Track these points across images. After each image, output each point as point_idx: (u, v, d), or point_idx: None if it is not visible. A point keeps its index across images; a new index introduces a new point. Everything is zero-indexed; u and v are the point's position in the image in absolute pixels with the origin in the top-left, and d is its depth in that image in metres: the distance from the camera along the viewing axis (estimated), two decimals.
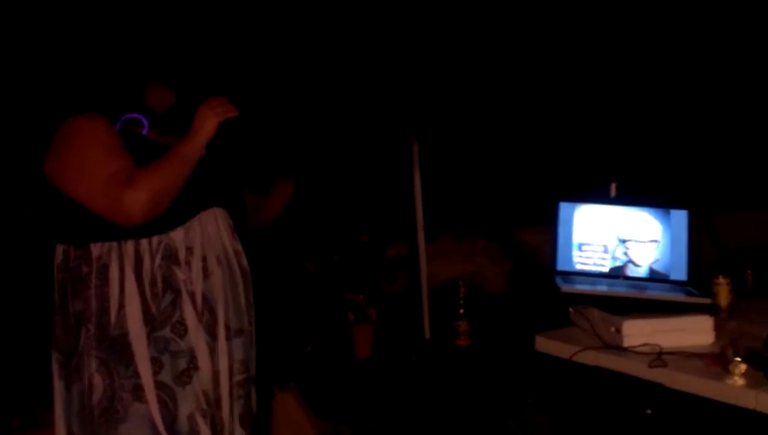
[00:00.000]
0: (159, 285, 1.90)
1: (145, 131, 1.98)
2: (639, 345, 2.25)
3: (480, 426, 2.75)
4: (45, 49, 2.70)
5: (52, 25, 2.70)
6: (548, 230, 2.67)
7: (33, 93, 2.68)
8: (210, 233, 1.98)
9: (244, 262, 2.07)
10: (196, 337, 1.92)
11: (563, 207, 2.62)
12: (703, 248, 2.67)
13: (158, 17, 2.19)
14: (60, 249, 1.97)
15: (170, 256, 1.91)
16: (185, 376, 1.91)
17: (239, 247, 2.06)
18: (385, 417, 2.76)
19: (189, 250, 1.93)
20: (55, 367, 1.97)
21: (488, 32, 3.44)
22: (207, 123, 1.92)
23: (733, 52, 3.66)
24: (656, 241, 2.58)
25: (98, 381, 1.88)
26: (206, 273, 1.95)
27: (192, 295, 1.92)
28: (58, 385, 1.97)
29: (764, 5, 3.50)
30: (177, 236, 1.92)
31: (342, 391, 2.80)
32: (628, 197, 2.65)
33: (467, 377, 2.77)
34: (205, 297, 1.94)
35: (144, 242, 1.89)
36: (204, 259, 1.95)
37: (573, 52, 3.55)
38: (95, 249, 1.90)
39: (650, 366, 2.17)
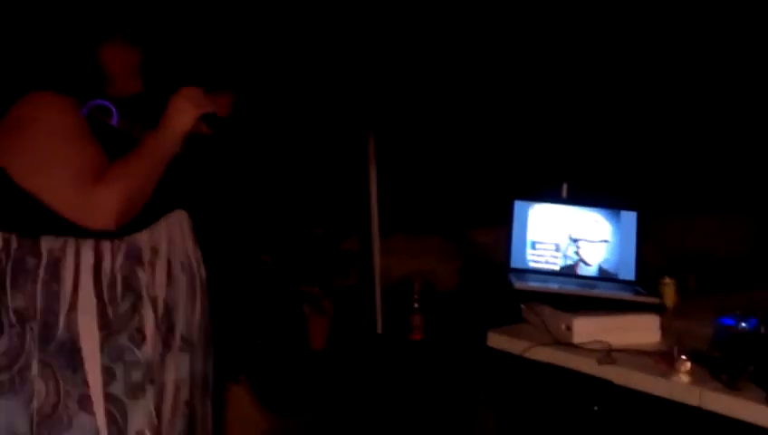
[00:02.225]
0: (119, 286, 1.70)
1: (114, 121, 1.73)
2: (589, 342, 2.29)
3: (431, 420, 2.77)
4: None
5: None
6: (500, 229, 2.70)
7: None
8: (175, 237, 1.81)
9: (204, 273, 1.90)
10: (154, 348, 1.74)
11: (518, 205, 2.65)
12: (649, 250, 2.72)
13: None
14: None
15: (133, 256, 1.73)
16: (139, 389, 1.73)
17: (200, 256, 1.89)
18: (337, 411, 2.76)
19: (154, 251, 1.76)
20: None
21: (444, 29, 3.45)
22: (184, 116, 1.72)
23: (689, 56, 3.74)
24: (606, 241, 2.63)
25: (40, 386, 1.67)
26: (170, 278, 1.78)
27: (154, 301, 1.75)
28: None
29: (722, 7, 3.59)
30: (143, 235, 1.74)
31: (294, 384, 2.78)
32: (581, 197, 2.69)
33: (420, 371, 2.79)
34: (166, 305, 1.77)
35: (105, 240, 1.69)
36: (169, 263, 1.78)
37: (527, 53, 3.59)
38: (46, 243, 1.69)
39: (599, 363, 2.21)
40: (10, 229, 1.70)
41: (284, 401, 2.75)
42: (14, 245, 1.69)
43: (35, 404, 1.68)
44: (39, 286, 1.68)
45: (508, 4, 3.48)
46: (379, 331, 3.03)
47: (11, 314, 1.69)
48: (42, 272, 1.68)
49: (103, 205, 1.61)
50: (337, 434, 2.83)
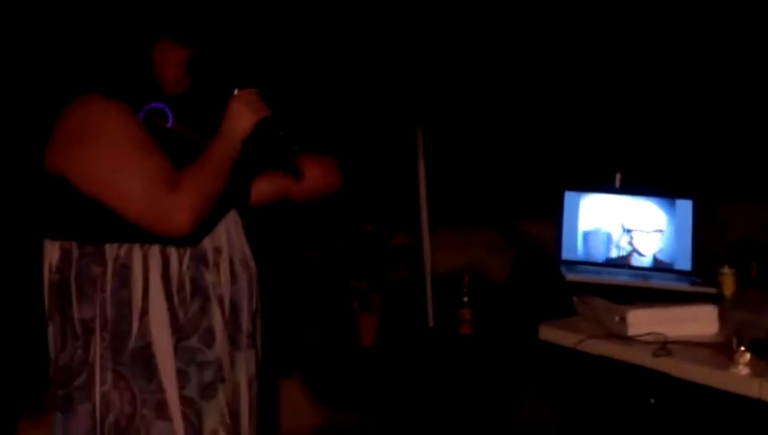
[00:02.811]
0: (187, 289, 1.68)
1: (170, 124, 1.71)
2: (644, 335, 2.23)
3: (483, 415, 2.75)
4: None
5: None
6: (550, 221, 2.66)
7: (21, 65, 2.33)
8: (233, 236, 1.80)
9: (255, 269, 1.88)
10: (223, 346, 1.73)
11: (568, 196, 2.61)
12: (707, 239, 2.65)
13: None
14: (56, 246, 1.69)
15: (199, 257, 1.70)
16: (211, 389, 1.72)
17: (251, 253, 1.87)
18: (389, 405, 2.76)
19: (217, 251, 1.74)
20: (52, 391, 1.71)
21: (494, 23, 3.43)
22: (243, 121, 1.70)
23: (742, 44, 3.65)
24: (660, 231, 2.58)
25: (114, 398, 1.65)
26: (233, 277, 1.77)
27: (221, 300, 1.73)
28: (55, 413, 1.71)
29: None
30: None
31: (346, 379, 2.79)
32: (633, 186, 2.64)
33: (470, 365, 2.77)
34: (233, 303, 1.76)
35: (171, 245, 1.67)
36: (231, 262, 1.77)
37: (579, 42, 3.54)
38: (111, 250, 1.65)
39: (654, 355, 2.15)
40: (70, 237, 1.68)
41: (337, 396, 2.76)
42: (75, 254, 1.67)
43: (110, 419, 1.66)
44: (108, 295, 1.65)
45: (557, 3, 3.43)
46: (431, 325, 3.02)
47: (76, 325, 1.67)
48: (109, 280, 1.66)
49: (179, 212, 1.59)
50: (388, 428, 2.83)
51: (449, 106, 3.37)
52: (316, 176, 1.95)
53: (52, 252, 1.70)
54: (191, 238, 1.67)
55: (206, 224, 1.69)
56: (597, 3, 3.52)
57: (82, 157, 1.61)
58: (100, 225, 1.63)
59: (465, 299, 2.93)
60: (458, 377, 2.76)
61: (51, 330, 1.72)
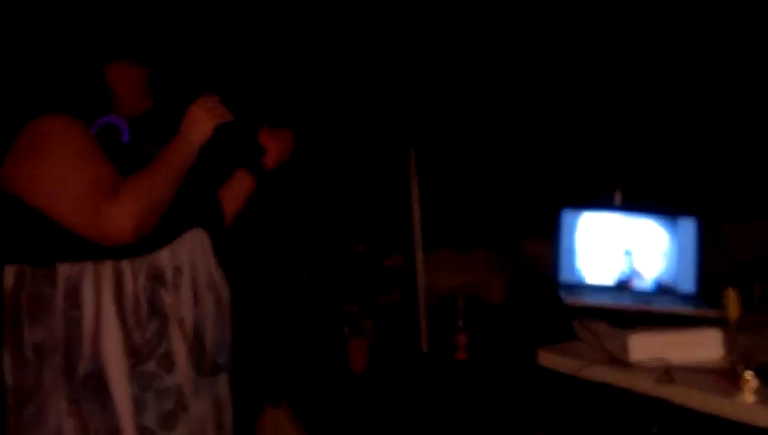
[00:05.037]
0: (144, 310, 1.65)
1: (125, 138, 1.70)
2: (646, 360, 2.17)
3: None
4: None
5: None
6: (550, 241, 2.59)
7: None
8: (197, 255, 1.75)
9: (227, 293, 1.83)
10: (185, 372, 1.68)
11: (567, 214, 2.54)
12: (711, 259, 2.58)
13: None
14: (11, 271, 1.67)
15: (156, 277, 1.67)
16: (171, 419, 1.67)
17: (222, 275, 1.83)
18: (379, 433, 2.69)
19: (177, 270, 1.70)
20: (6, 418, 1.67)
21: (487, 39, 3.39)
22: (201, 126, 1.69)
23: (745, 60, 3.60)
24: (663, 251, 2.50)
25: (68, 426, 1.60)
26: (196, 298, 1.72)
27: (181, 323, 1.69)
28: None
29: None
30: (164, 254, 1.68)
31: (336, 407, 2.72)
32: (634, 204, 2.57)
33: (467, 392, 2.70)
34: (195, 326, 1.71)
35: (125, 261, 1.64)
36: (194, 282, 1.72)
37: (576, 57, 3.50)
38: (63, 269, 1.63)
39: (657, 382, 2.09)
40: (24, 260, 1.66)
41: (326, 425, 2.68)
42: (28, 276, 1.65)
43: None
44: (58, 316, 1.62)
45: (558, 15, 3.40)
46: (425, 350, 2.95)
47: (27, 350, 1.63)
48: (60, 301, 1.62)
49: (119, 218, 1.56)
50: None
51: (444, 123, 3.32)
52: (274, 151, 1.92)
53: (8, 276, 1.67)
54: (140, 247, 1.63)
55: (161, 235, 1.65)
56: (595, 19, 3.48)
57: (29, 170, 1.60)
58: (51, 243, 1.61)
59: (461, 323, 2.85)
60: (455, 405, 2.68)
61: (5, 355, 1.67)
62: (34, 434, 1.62)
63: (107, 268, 1.64)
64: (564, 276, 2.52)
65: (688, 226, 2.51)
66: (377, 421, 2.66)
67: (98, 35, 1.72)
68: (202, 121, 1.70)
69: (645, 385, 2.12)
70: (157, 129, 1.75)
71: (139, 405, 1.63)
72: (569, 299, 2.41)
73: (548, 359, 2.39)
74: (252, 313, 1.98)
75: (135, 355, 1.64)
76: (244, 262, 1.97)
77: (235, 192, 2.00)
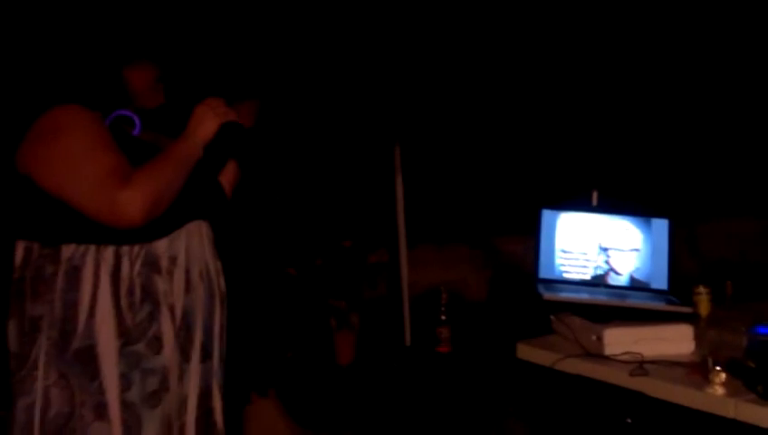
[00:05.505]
0: (137, 294, 1.73)
1: (137, 131, 1.82)
2: (621, 354, 2.24)
3: (460, 434, 2.74)
4: (14, 30, 2.45)
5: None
6: (529, 239, 2.66)
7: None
8: (194, 246, 1.83)
9: (223, 284, 1.92)
10: (171, 356, 1.76)
11: (546, 214, 2.61)
12: (682, 258, 2.67)
13: None
14: (21, 246, 1.77)
15: (151, 264, 1.75)
16: (154, 398, 1.74)
17: (220, 267, 1.92)
18: (365, 425, 2.74)
19: (172, 260, 1.78)
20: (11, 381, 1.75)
21: (470, 40, 3.44)
22: (207, 124, 1.81)
23: (713, 63, 3.69)
24: (637, 250, 2.59)
25: (55, 395, 1.68)
26: (188, 286, 1.79)
27: (171, 309, 1.76)
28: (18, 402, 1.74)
29: (744, 15, 3.54)
30: (161, 243, 1.77)
31: (322, 398, 2.77)
32: (610, 205, 2.65)
33: (448, 384, 2.76)
34: (185, 313, 1.78)
35: (125, 247, 1.73)
36: (187, 272, 1.80)
37: (554, 60, 3.56)
38: (67, 250, 1.72)
39: (631, 375, 2.16)
40: (33, 238, 1.75)
41: (312, 415, 2.74)
42: (35, 254, 1.74)
43: (50, 414, 1.69)
44: (57, 295, 1.70)
45: (536, 17, 3.46)
46: (408, 343, 3.01)
47: (26, 322, 1.72)
48: (60, 280, 1.71)
49: (129, 204, 1.65)
50: None
51: (427, 122, 3.38)
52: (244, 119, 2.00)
53: (18, 251, 1.77)
54: (141, 235, 1.72)
55: (163, 224, 1.74)
56: (574, 22, 3.55)
57: (45, 153, 1.69)
58: (58, 224, 1.70)
59: (443, 317, 2.92)
60: (437, 396, 2.74)
61: (10, 324, 1.76)
62: (22, 401, 1.71)
63: (108, 252, 1.72)
64: (543, 273, 2.59)
65: (662, 226, 2.58)
66: (362, 412, 2.72)
67: (117, 38, 1.85)
68: (208, 120, 1.82)
69: (619, 377, 2.19)
70: (167, 122, 1.87)
71: (124, 382, 1.71)
72: (546, 295, 2.46)
73: (526, 352, 2.45)
74: (241, 305, 2.04)
75: (125, 336, 1.71)
76: (235, 255, 2.03)
77: (223, 181, 2.07)
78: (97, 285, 1.70)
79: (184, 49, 1.94)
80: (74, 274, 1.71)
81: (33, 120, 1.72)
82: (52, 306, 1.70)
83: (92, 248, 1.72)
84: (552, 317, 2.54)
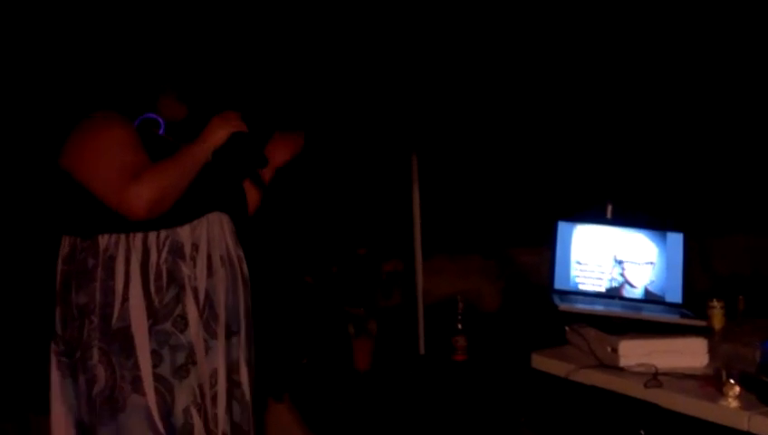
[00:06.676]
0: (164, 278, 1.93)
1: (161, 132, 2.04)
2: (635, 365, 2.26)
3: None
4: (65, 56, 2.82)
5: (72, 32, 2.83)
6: (542, 250, 2.68)
7: (51, 96, 2.79)
8: (215, 234, 2.02)
9: (246, 269, 2.12)
10: (196, 333, 1.95)
11: (562, 226, 2.64)
12: (696, 271, 2.68)
13: (173, 31, 2.26)
14: (67, 241, 2.00)
15: (176, 251, 1.95)
16: (183, 370, 1.94)
17: (241, 254, 2.11)
18: (379, 431, 2.75)
19: (195, 246, 1.98)
20: (54, 360, 2.00)
21: (488, 51, 3.47)
22: (218, 132, 2.00)
23: (729, 80, 3.70)
24: (651, 263, 2.61)
25: (100, 371, 1.92)
26: (210, 271, 1.99)
27: (195, 291, 1.96)
28: (57, 377, 2.00)
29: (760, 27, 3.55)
30: (184, 231, 1.97)
31: (337, 404, 2.79)
32: (626, 218, 2.67)
33: (463, 393, 2.77)
34: (207, 294, 1.98)
35: (152, 235, 1.93)
36: (209, 257, 1.99)
37: (571, 73, 3.58)
38: (102, 241, 1.94)
39: (646, 386, 2.18)
40: (71, 231, 1.98)
41: (327, 421, 2.76)
42: (78, 249, 1.96)
43: (97, 388, 1.92)
44: (98, 284, 1.93)
45: (553, 30, 3.48)
46: (422, 352, 3.03)
47: (74, 309, 1.95)
48: (100, 271, 1.93)
49: (135, 198, 1.86)
50: None
51: (444, 133, 3.40)
52: (282, 154, 2.25)
53: (64, 245, 2.01)
54: (163, 222, 1.93)
55: (183, 214, 1.95)
56: (590, 32, 3.56)
57: (80, 146, 1.95)
58: (93, 215, 1.93)
59: (460, 326, 2.93)
60: (451, 404, 2.76)
61: (58, 312, 2.01)
62: (81, 378, 1.95)
63: (137, 241, 1.94)
64: (558, 284, 2.61)
65: (676, 240, 2.60)
66: (377, 418, 2.73)
67: (155, 70, 2.09)
68: (220, 129, 2.00)
69: (633, 389, 2.20)
70: (188, 130, 2.06)
71: (156, 358, 1.92)
72: (562, 305, 2.48)
73: (541, 362, 2.47)
74: (259, 312, 2.13)
75: (154, 316, 1.92)
76: (257, 263, 2.13)
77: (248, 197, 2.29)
78: (129, 272, 1.92)
79: (206, 73, 2.15)
80: (110, 264, 1.92)
81: (77, 123, 1.97)
82: (95, 295, 1.93)
83: (123, 238, 1.93)
84: (566, 328, 2.55)
